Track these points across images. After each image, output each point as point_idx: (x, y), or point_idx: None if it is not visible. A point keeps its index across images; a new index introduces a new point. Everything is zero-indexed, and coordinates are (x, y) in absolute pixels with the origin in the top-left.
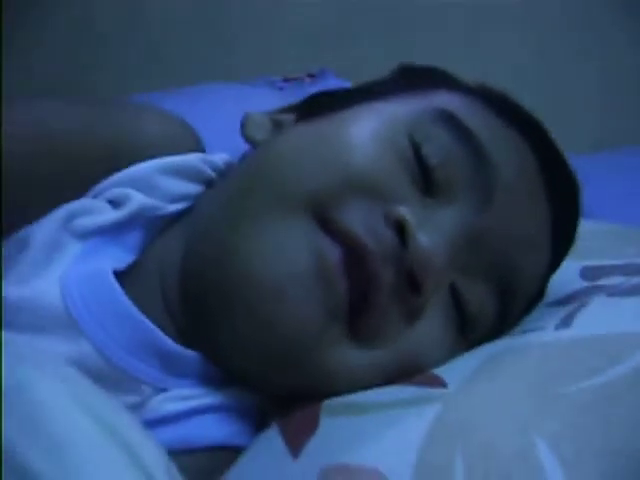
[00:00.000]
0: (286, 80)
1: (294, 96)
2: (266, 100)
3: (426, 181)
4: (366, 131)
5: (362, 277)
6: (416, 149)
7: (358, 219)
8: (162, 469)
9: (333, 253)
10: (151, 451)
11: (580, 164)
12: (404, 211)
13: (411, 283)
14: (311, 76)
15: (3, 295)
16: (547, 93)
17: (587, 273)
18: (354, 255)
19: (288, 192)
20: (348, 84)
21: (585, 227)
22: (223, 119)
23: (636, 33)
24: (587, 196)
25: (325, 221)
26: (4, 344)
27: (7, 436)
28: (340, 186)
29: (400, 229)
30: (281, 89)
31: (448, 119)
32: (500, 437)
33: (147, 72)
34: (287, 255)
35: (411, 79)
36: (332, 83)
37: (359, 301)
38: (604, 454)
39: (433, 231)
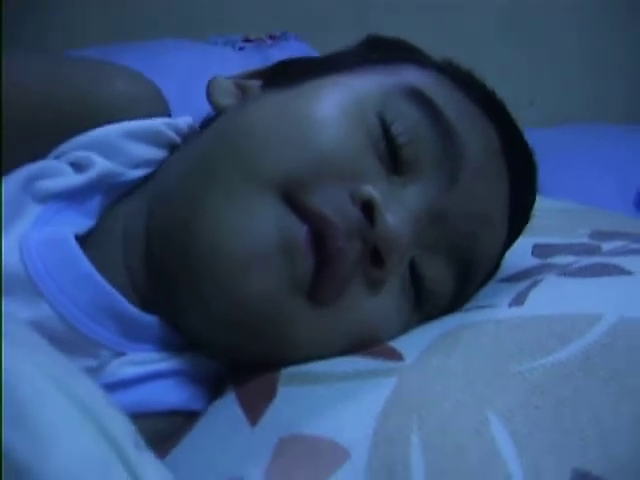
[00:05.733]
0: (247, 40)
1: (254, 57)
2: (227, 60)
3: (394, 159)
4: (335, 108)
5: (328, 253)
6: (385, 128)
7: (326, 199)
8: (132, 442)
9: (300, 230)
10: (122, 425)
11: (554, 136)
12: (371, 191)
13: (375, 258)
14: (272, 37)
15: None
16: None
17: (539, 250)
18: (321, 233)
19: (257, 171)
20: (310, 48)
21: (540, 204)
22: (184, 77)
23: None
24: (551, 170)
25: (294, 202)
26: None
27: None
28: (309, 170)
29: (367, 208)
30: (241, 49)
31: (418, 97)
32: (455, 412)
33: (105, 24)
34: (255, 232)
35: (379, 51)
36: (294, 45)
37: (322, 271)
38: (554, 431)
39: (398, 209)
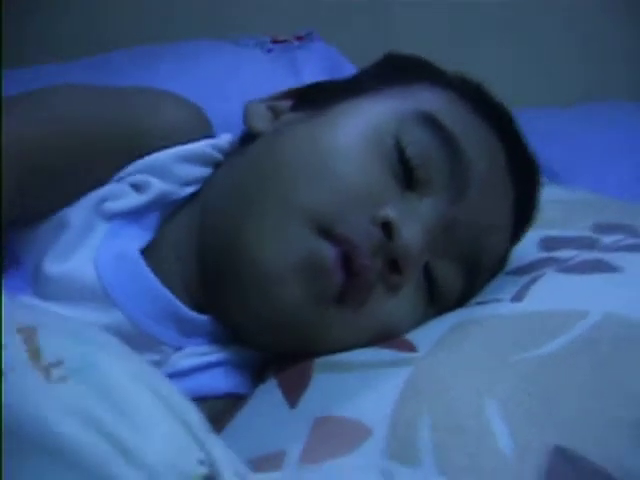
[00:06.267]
0: (274, 42)
1: (282, 59)
2: (257, 62)
3: (408, 178)
4: (355, 138)
5: (355, 269)
6: (400, 152)
7: (351, 225)
8: (205, 429)
9: (331, 253)
10: (193, 413)
11: (564, 118)
12: (388, 212)
13: (393, 266)
14: (299, 38)
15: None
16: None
17: (545, 244)
18: (348, 255)
19: (291, 201)
20: (334, 51)
21: (549, 196)
22: (218, 80)
23: None
24: (563, 152)
25: (323, 228)
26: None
27: (93, 408)
28: (336, 201)
29: (386, 227)
30: (270, 51)
31: (430, 122)
32: (459, 397)
33: (136, 26)
34: (289, 254)
35: (395, 70)
36: (319, 47)
37: (351, 282)
38: (542, 414)
39: (413, 223)
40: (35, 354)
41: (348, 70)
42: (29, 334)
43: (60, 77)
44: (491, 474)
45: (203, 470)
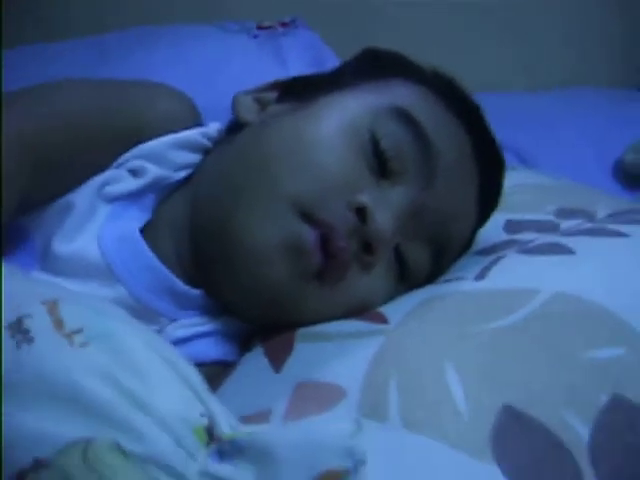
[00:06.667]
0: (260, 28)
1: (268, 46)
2: (244, 48)
3: (382, 168)
4: (334, 131)
5: (333, 250)
6: (375, 144)
7: (329, 210)
8: (205, 389)
9: (311, 235)
10: (195, 375)
11: (541, 102)
12: (364, 199)
13: (367, 247)
14: (284, 25)
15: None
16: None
17: (510, 226)
18: (327, 236)
19: (276, 189)
20: (317, 38)
21: (518, 180)
22: (207, 66)
23: None
24: (536, 137)
25: (305, 213)
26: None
27: (111, 369)
28: (316, 189)
29: (360, 212)
30: (256, 37)
31: (403, 116)
32: (423, 364)
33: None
34: (274, 236)
35: (373, 66)
36: (303, 34)
37: (329, 262)
38: (494, 379)
39: (385, 209)
40: (58, 323)
41: (330, 59)
42: (52, 306)
43: (55, 57)
44: (448, 427)
45: (204, 421)
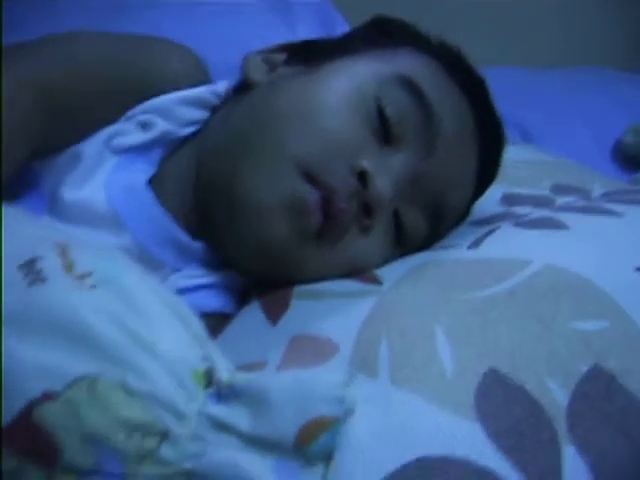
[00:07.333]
0: None
1: (278, 8)
2: (254, 12)
3: (385, 134)
4: (340, 96)
5: (333, 211)
6: (380, 110)
7: (332, 172)
8: (206, 335)
9: (313, 196)
10: (196, 322)
11: (543, 79)
12: (366, 164)
13: (366, 210)
14: None
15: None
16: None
17: (507, 199)
18: (328, 197)
19: (282, 149)
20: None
21: (518, 156)
22: (216, 27)
23: None
24: (539, 113)
25: (308, 174)
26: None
27: (118, 310)
28: (320, 152)
29: (362, 176)
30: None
31: (408, 84)
32: (413, 324)
33: None
34: (277, 194)
35: (381, 34)
36: None
37: (329, 221)
38: (480, 342)
39: (386, 174)
40: (69, 266)
41: (340, 25)
42: (63, 250)
43: (68, 10)
44: (434, 385)
45: (204, 364)
